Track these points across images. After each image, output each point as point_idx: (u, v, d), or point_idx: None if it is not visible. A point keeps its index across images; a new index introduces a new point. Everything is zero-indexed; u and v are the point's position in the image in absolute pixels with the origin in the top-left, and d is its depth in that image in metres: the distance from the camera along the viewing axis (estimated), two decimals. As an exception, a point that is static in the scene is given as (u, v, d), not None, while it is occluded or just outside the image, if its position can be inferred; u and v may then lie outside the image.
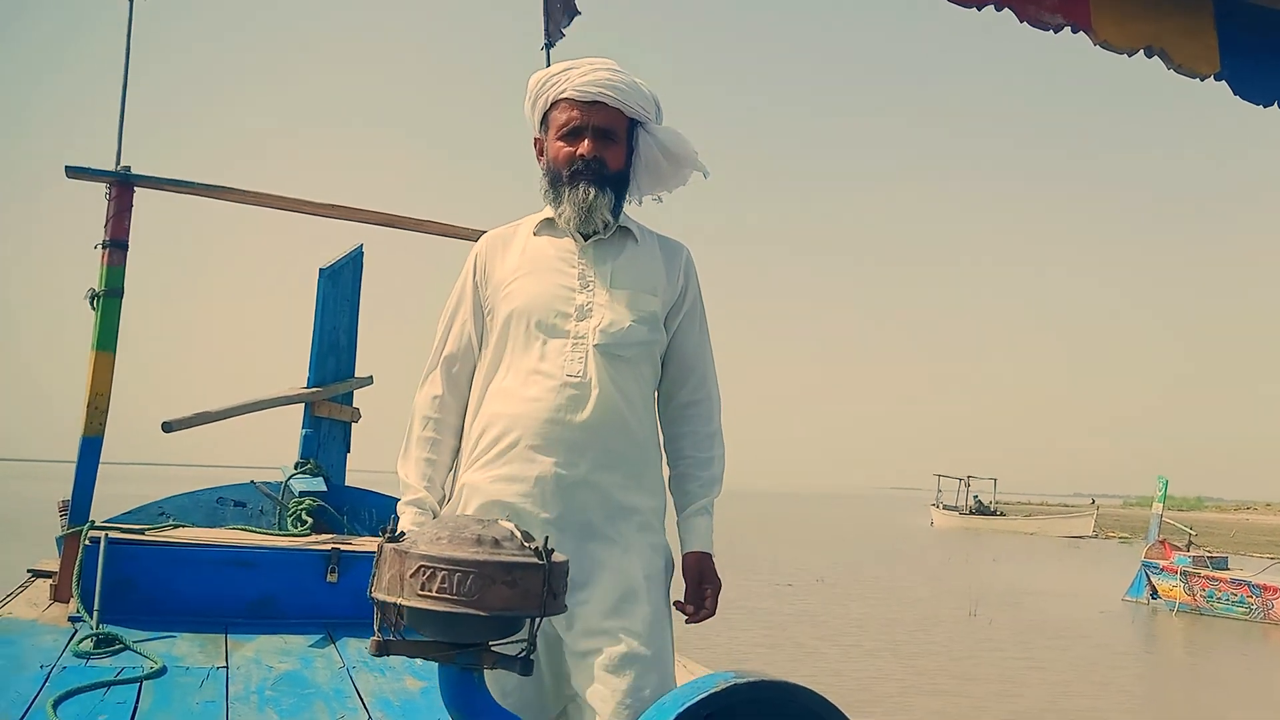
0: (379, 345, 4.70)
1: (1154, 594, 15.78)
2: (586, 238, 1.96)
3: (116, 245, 3.37)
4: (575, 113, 1.93)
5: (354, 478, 4.61)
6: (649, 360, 1.95)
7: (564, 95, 1.94)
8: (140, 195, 3.46)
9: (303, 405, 4.47)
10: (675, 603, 1.91)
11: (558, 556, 1.48)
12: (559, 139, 1.95)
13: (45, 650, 2.76)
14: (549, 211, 1.99)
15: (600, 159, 1.92)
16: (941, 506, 47.80)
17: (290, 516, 3.94)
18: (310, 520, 3.87)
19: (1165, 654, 12.33)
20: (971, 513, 45.92)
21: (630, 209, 2.06)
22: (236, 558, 3.28)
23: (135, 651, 2.78)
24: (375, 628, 1.51)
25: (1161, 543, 16.31)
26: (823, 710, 1.39)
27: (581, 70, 1.94)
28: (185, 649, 2.87)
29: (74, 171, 3.34)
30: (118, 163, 3.41)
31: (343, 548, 3.43)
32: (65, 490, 4.02)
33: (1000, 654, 10.74)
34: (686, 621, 1.91)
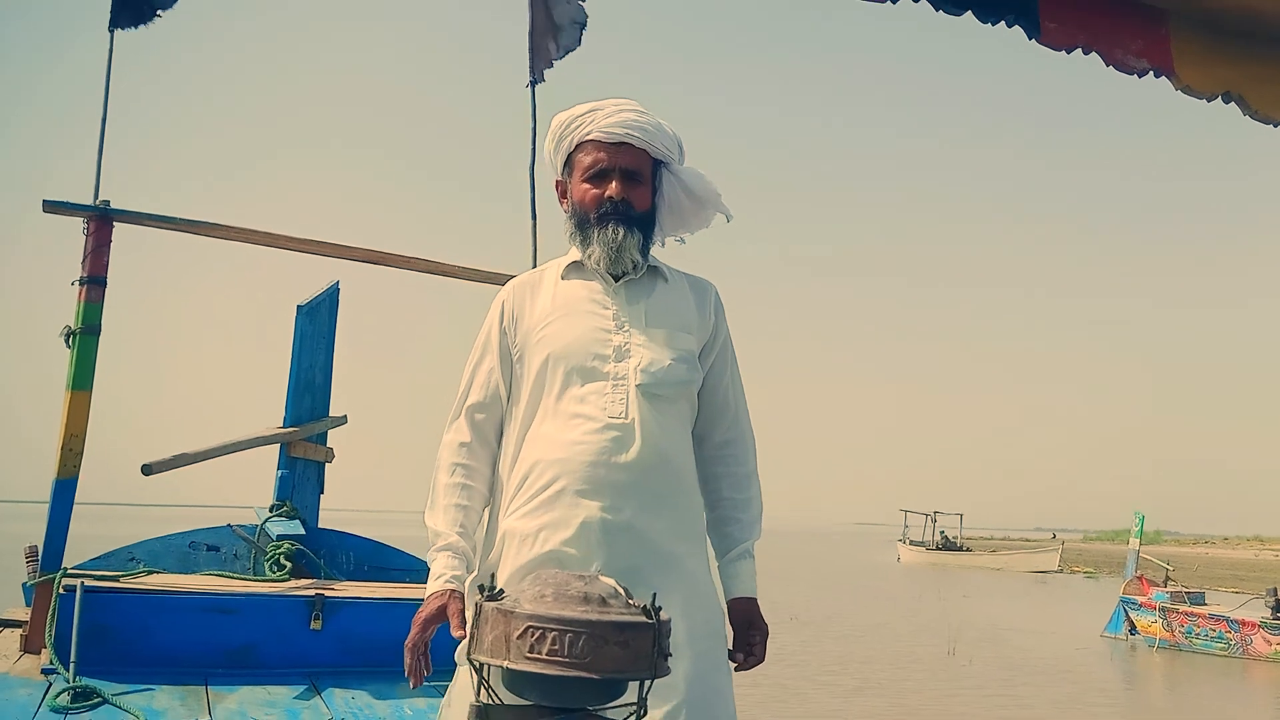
0: (345, 383, 4.66)
1: (1132, 630, 15.88)
2: (616, 279, 1.98)
3: (94, 282, 3.33)
4: (602, 154, 1.95)
5: (325, 518, 4.55)
6: (688, 399, 1.96)
7: (590, 137, 1.96)
8: (118, 230, 3.41)
9: (277, 445, 4.41)
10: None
11: (664, 615, 1.44)
12: (585, 181, 1.97)
13: (20, 705, 2.69)
14: (575, 254, 2.01)
15: (627, 200, 1.95)
16: (908, 542, 48.15)
17: (268, 561, 3.88)
18: (289, 565, 3.81)
19: (1147, 690, 12.41)
20: (938, 548, 46.27)
21: (658, 251, 2.08)
22: (217, 604, 3.22)
23: (115, 705, 2.72)
24: (475, 692, 1.46)
25: (1139, 578, 16.44)
26: None
27: (607, 111, 1.96)
28: (165, 702, 2.81)
29: (51, 206, 3.30)
30: (96, 197, 3.38)
31: (326, 593, 3.38)
32: (23, 531, 3.92)
33: (982, 692, 10.77)
34: (736, 669, 1.89)
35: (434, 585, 1.83)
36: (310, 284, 4.64)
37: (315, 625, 3.28)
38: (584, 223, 1.97)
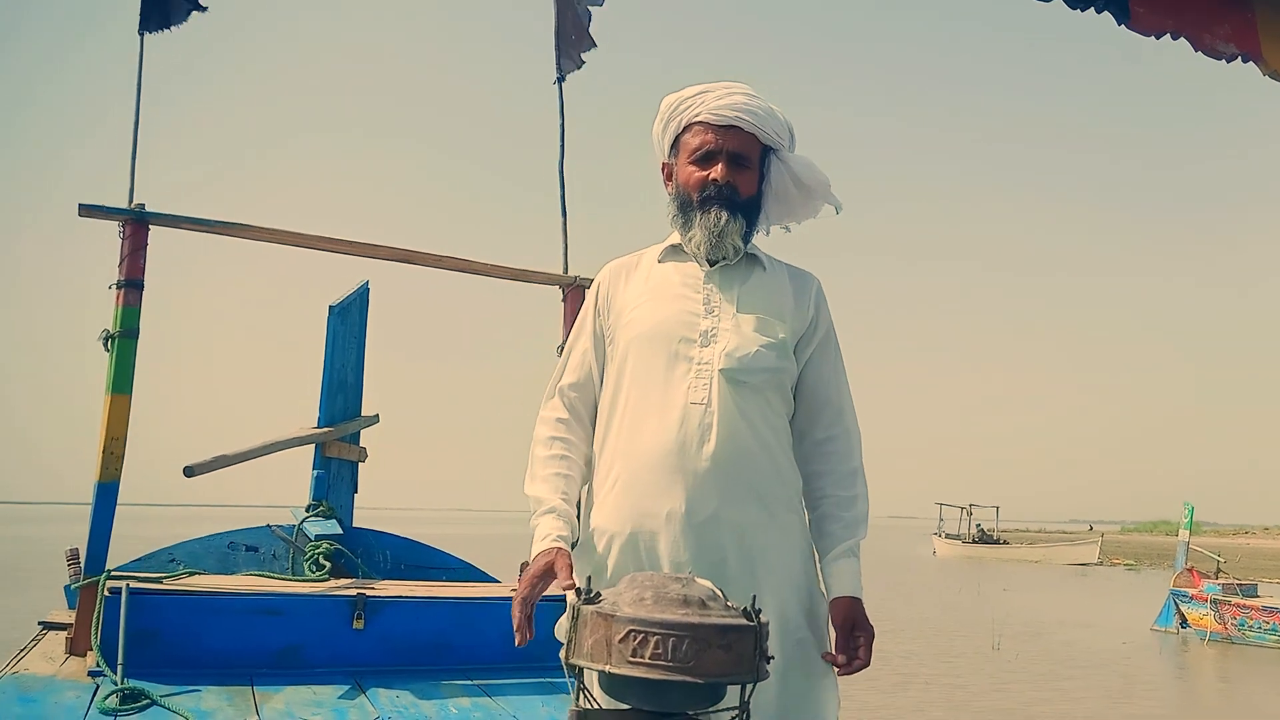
0: (376, 383, 4.71)
1: (1183, 623, 15.68)
2: (713, 264, 1.96)
3: (131, 285, 3.38)
4: (709, 136, 1.93)
5: (358, 516, 4.60)
6: (777, 389, 1.92)
7: (698, 119, 1.94)
8: (153, 232, 3.46)
9: (312, 445, 4.46)
10: (825, 655, 1.85)
11: (763, 617, 1.44)
12: (691, 163, 1.95)
13: (69, 708, 2.75)
14: (674, 238, 1.99)
15: (733, 184, 1.92)
16: (944, 535, 47.77)
17: (307, 561, 3.94)
18: (328, 564, 3.86)
19: (1199, 684, 12.17)
20: (975, 541, 45.87)
21: (757, 238, 2.04)
22: (262, 605, 3.27)
23: (163, 707, 2.77)
24: (574, 697, 1.47)
25: (1189, 570, 16.23)
26: None
27: (717, 94, 1.94)
28: (213, 702, 2.86)
29: (87, 210, 3.36)
30: (131, 200, 3.43)
31: (367, 593, 3.42)
32: (61, 533, 3.99)
33: (1030, 686, 10.67)
34: (840, 672, 1.85)
35: (540, 545, 1.80)
36: (341, 283, 4.70)
37: (358, 625, 3.33)
38: (686, 205, 1.95)
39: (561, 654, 1.45)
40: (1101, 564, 38.41)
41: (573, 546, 1.84)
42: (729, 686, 1.43)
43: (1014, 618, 17.21)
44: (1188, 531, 17.18)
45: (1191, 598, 15.59)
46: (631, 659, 1.35)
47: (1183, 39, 2.61)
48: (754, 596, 1.46)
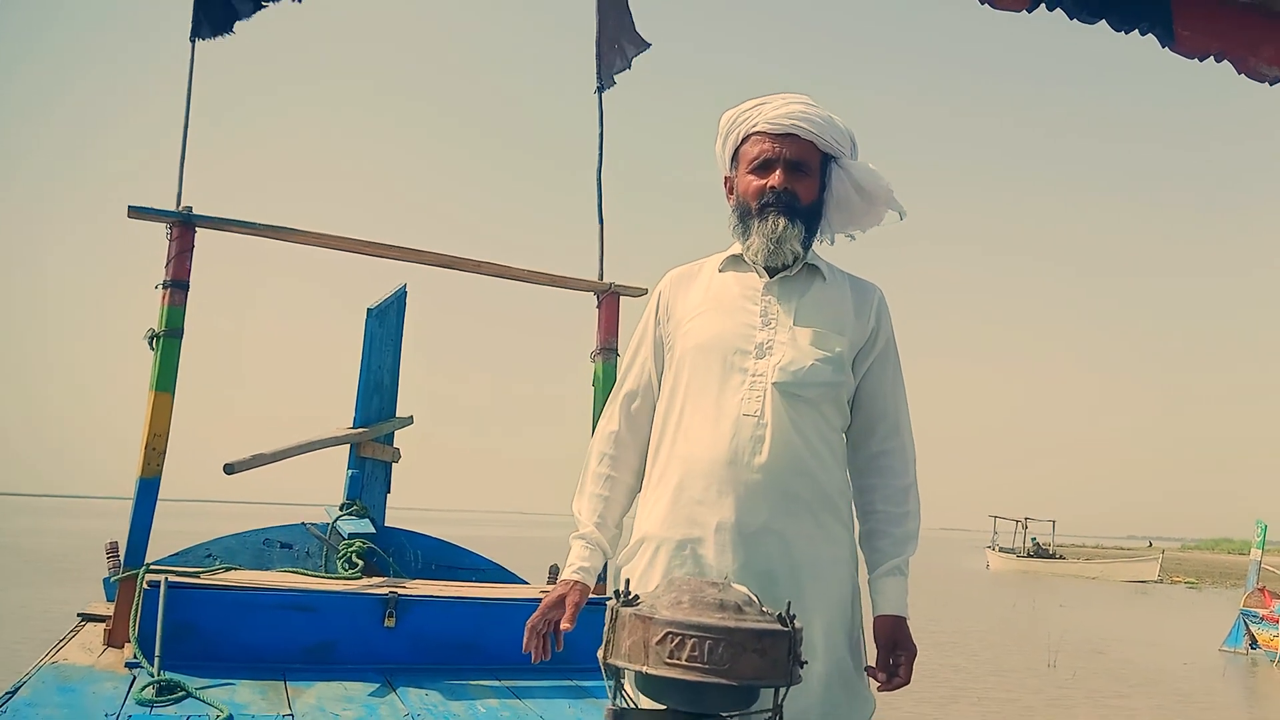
0: (409, 385, 4.77)
1: (1253, 644, 15.17)
2: (773, 274, 1.97)
3: (177, 286, 3.49)
4: (767, 145, 1.95)
5: (390, 517, 4.66)
6: (833, 402, 1.93)
7: (756, 129, 1.97)
8: (199, 235, 3.53)
9: (347, 445, 4.53)
10: (866, 668, 1.88)
11: (797, 623, 1.48)
12: (750, 172, 1.97)
13: (107, 698, 2.83)
14: (736, 248, 2.02)
15: (792, 191, 1.94)
16: (998, 549, 46.70)
17: (340, 559, 4.02)
18: (361, 563, 3.92)
19: (1270, 709, 11.62)
20: (1029, 555, 44.84)
21: (822, 248, 2.07)
22: (296, 602, 3.36)
23: (199, 699, 2.85)
24: (611, 696, 1.52)
25: (1260, 590, 15.81)
26: None
27: (775, 104, 1.97)
28: (247, 696, 2.94)
29: (136, 211, 3.46)
30: (179, 203, 3.54)
31: (399, 592, 3.48)
32: (99, 527, 4.08)
33: (1087, 705, 10.37)
34: (879, 689, 1.88)
35: (566, 574, 1.91)
36: (379, 286, 4.76)
37: (389, 623, 3.40)
38: (746, 214, 1.96)
39: (600, 654, 1.49)
40: (1162, 582, 37.44)
41: (604, 564, 1.95)
42: (763, 690, 1.48)
43: (1070, 635, 16.74)
44: (1260, 550, 16.67)
45: (1262, 618, 15.07)
46: (668, 660, 1.39)
47: (1227, 61, 2.63)
48: (789, 603, 1.50)
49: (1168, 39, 2.58)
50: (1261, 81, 2.62)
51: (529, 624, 1.85)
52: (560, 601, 1.85)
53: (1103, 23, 2.55)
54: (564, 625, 1.83)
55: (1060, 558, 45.25)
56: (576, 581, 1.87)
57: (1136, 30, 2.56)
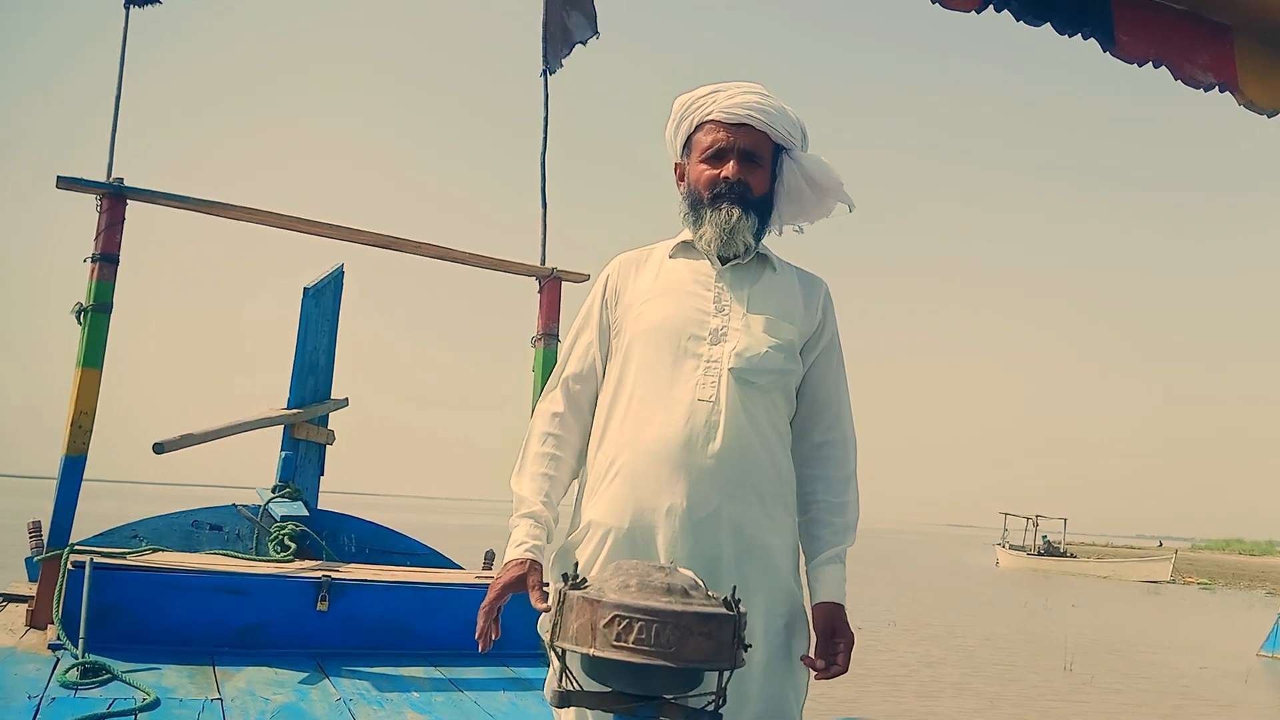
0: (345, 366, 4.71)
1: None
2: (724, 262, 1.97)
3: (107, 259, 3.40)
4: (721, 134, 1.95)
5: (323, 501, 4.61)
6: (783, 390, 1.94)
7: (710, 117, 1.96)
8: (130, 207, 3.45)
9: (280, 426, 4.47)
10: (804, 657, 1.87)
11: (742, 607, 1.49)
12: (702, 161, 1.97)
13: (29, 680, 2.76)
14: (686, 235, 2.01)
15: (745, 182, 1.94)
16: (1008, 546, 46.48)
17: (272, 542, 3.96)
18: (293, 546, 3.87)
19: None
20: (1040, 553, 44.32)
21: (770, 239, 2.06)
22: (226, 584, 3.30)
23: (125, 682, 2.79)
24: (558, 679, 1.51)
25: None
26: None
27: (729, 93, 1.96)
28: (175, 679, 2.88)
29: (65, 182, 3.36)
30: (109, 174, 3.43)
31: (333, 575, 3.44)
32: (20, 505, 3.98)
33: (1108, 712, 10.07)
34: (816, 677, 1.87)
35: (514, 552, 1.85)
36: (316, 265, 4.70)
37: (322, 607, 3.36)
38: (697, 203, 1.96)
39: (546, 637, 1.48)
40: (1174, 582, 37.19)
41: (548, 546, 1.90)
42: (707, 673, 1.49)
43: (1086, 636, 16.43)
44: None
45: None
46: (615, 643, 1.40)
47: (1164, 67, 2.70)
48: (734, 587, 1.52)
49: (1109, 44, 2.64)
50: (1197, 88, 2.69)
51: (483, 608, 1.80)
52: (517, 582, 1.80)
53: (1048, 25, 2.60)
54: (539, 605, 1.74)
55: (1071, 556, 44.90)
56: (532, 560, 1.83)
57: (1080, 34, 2.62)
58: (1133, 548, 72.33)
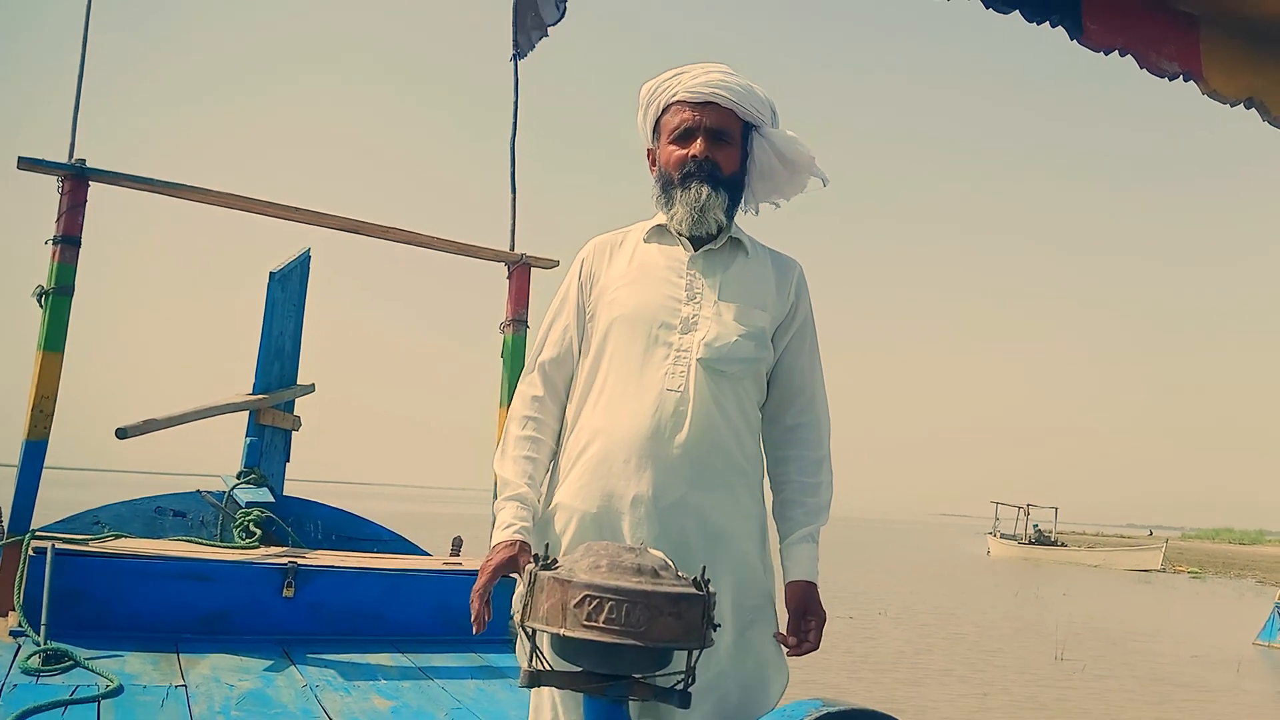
0: (312, 352, 4.67)
1: None
2: (697, 246, 1.98)
3: (68, 241, 3.35)
4: (688, 114, 1.95)
5: (288, 489, 4.57)
6: (753, 378, 1.95)
7: (676, 98, 1.96)
8: (93, 190, 3.40)
9: (246, 412, 4.43)
10: (776, 635, 1.89)
11: (711, 587, 1.50)
12: (671, 142, 1.97)
13: None
14: (660, 219, 2.01)
15: (713, 160, 1.94)
16: (999, 535, 46.41)
17: (237, 528, 3.93)
18: (259, 532, 3.84)
19: None
20: (1031, 543, 44.69)
21: (746, 219, 2.07)
22: (191, 570, 3.27)
23: (87, 669, 2.77)
24: (528, 658, 1.52)
25: None
26: None
27: (694, 73, 1.96)
28: (139, 666, 2.86)
29: (26, 163, 3.31)
30: (71, 155, 3.38)
31: (299, 562, 3.42)
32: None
33: (1098, 700, 10.09)
34: (789, 653, 1.90)
35: (502, 535, 1.85)
36: (283, 249, 4.66)
37: (288, 593, 3.35)
38: (668, 184, 1.96)
39: (516, 617, 1.49)
40: (1164, 571, 37.28)
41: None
42: (676, 652, 1.51)
43: (1076, 625, 16.46)
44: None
45: None
46: (586, 623, 1.41)
47: (1130, 56, 2.73)
48: (704, 567, 1.54)
49: (1076, 32, 2.67)
50: (1162, 77, 2.73)
51: (475, 590, 1.78)
52: (508, 564, 1.80)
53: (1016, 13, 2.63)
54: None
55: (1063, 545, 45.19)
56: (521, 541, 1.83)
57: (1048, 22, 2.65)
58: (1123, 537, 72.71)
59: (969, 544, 54.86)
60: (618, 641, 1.40)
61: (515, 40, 4.31)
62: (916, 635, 14.08)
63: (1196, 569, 39.16)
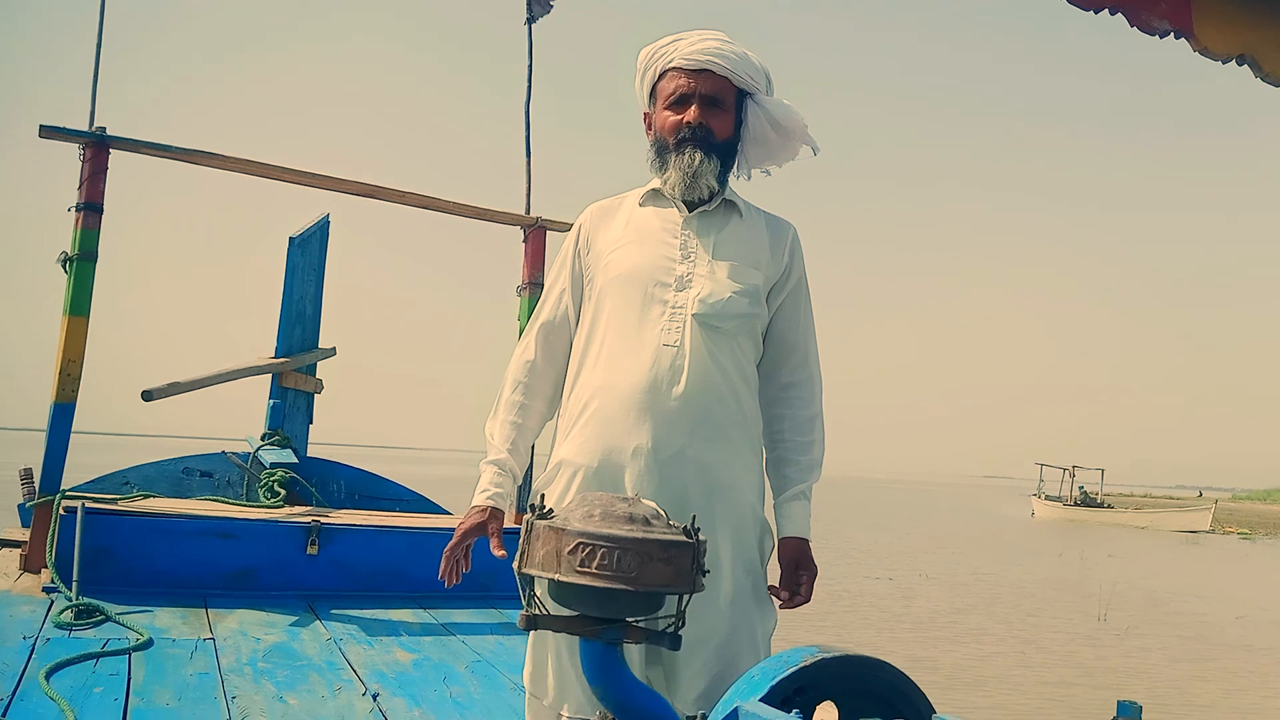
0: (335, 317, 4.73)
1: None
2: (691, 208, 2.00)
3: (91, 208, 3.40)
4: (683, 80, 1.97)
5: (311, 451, 4.65)
6: (748, 334, 1.98)
7: (672, 64, 1.98)
8: (114, 156, 3.45)
9: (268, 376, 4.50)
10: (770, 588, 1.93)
11: (701, 535, 1.54)
12: (666, 108, 1.99)
13: (24, 621, 2.81)
14: (655, 183, 2.04)
15: (707, 126, 1.96)
16: (1044, 497, 46.18)
17: (262, 488, 4.01)
18: (283, 491, 3.92)
19: None
20: (1076, 504, 43.96)
21: (739, 184, 2.09)
22: (218, 529, 3.35)
23: (118, 623, 2.84)
24: (524, 602, 1.58)
25: None
26: (907, 689, 1.44)
27: (690, 40, 1.99)
28: (168, 620, 2.94)
29: (48, 131, 3.36)
30: (91, 123, 3.43)
31: (322, 520, 3.50)
32: (24, 458, 4.01)
33: (1138, 659, 10.05)
34: (780, 607, 1.94)
35: (478, 499, 1.92)
36: (303, 215, 4.70)
37: (312, 551, 3.42)
38: (663, 149, 1.99)
39: (515, 564, 1.54)
40: (1214, 532, 36.93)
41: (515, 490, 1.98)
42: (668, 597, 1.56)
43: (1122, 587, 16.28)
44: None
45: None
46: (580, 569, 1.46)
47: (1120, 14, 2.70)
48: (694, 516, 1.58)
49: None
50: (1152, 34, 2.70)
51: (447, 551, 1.87)
52: (478, 528, 1.88)
53: None
54: (497, 552, 1.83)
55: (1109, 507, 44.53)
56: (493, 507, 1.90)
57: None
58: (1172, 498, 71.77)
59: (1013, 506, 54.33)
60: (610, 586, 1.46)
61: (529, 4, 4.31)
62: (956, 595, 14.04)
63: (1246, 530, 38.73)
